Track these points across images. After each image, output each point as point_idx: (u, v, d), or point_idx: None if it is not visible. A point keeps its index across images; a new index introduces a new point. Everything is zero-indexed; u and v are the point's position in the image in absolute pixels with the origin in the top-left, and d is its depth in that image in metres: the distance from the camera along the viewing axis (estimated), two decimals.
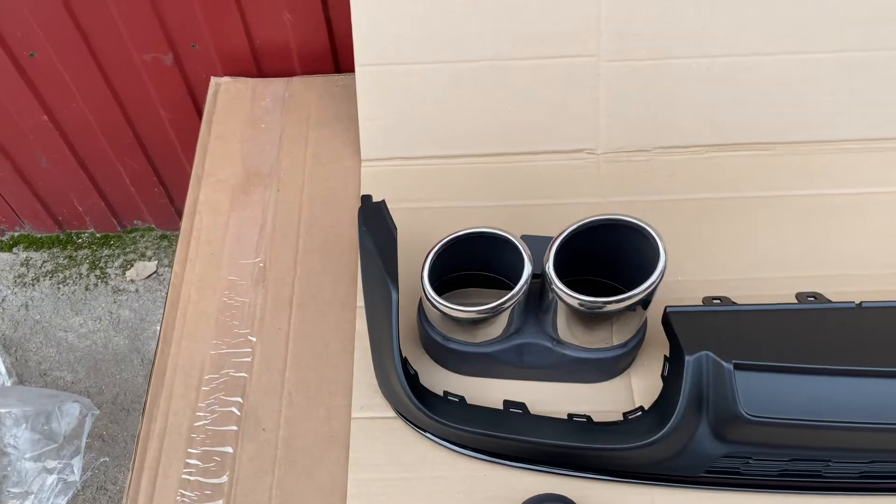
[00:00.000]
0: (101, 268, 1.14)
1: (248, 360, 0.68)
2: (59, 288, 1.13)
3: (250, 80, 0.87)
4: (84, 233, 1.18)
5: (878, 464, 0.59)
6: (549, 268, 0.58)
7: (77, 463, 0.94)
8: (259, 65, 0.93)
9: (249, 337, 0.69)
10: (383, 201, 0.67)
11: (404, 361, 0.63)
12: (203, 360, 0.68)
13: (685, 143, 0.78)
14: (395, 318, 0.61)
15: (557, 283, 0.57)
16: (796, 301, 0.64)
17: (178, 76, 0.91)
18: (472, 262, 0.64)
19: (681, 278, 0.71)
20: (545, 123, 0.78)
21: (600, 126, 0.78)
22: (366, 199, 0.67)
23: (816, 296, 0.65)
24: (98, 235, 1.18)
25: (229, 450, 0.63)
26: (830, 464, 0.59)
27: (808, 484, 0.60)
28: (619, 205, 0.76)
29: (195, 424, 0.65)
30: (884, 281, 0.69)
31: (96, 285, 1.13)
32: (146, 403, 0.66)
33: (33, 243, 1.17)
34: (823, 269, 0.70)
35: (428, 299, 0.60)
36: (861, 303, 0.63)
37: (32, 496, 0.90)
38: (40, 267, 1.15)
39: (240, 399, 0.66)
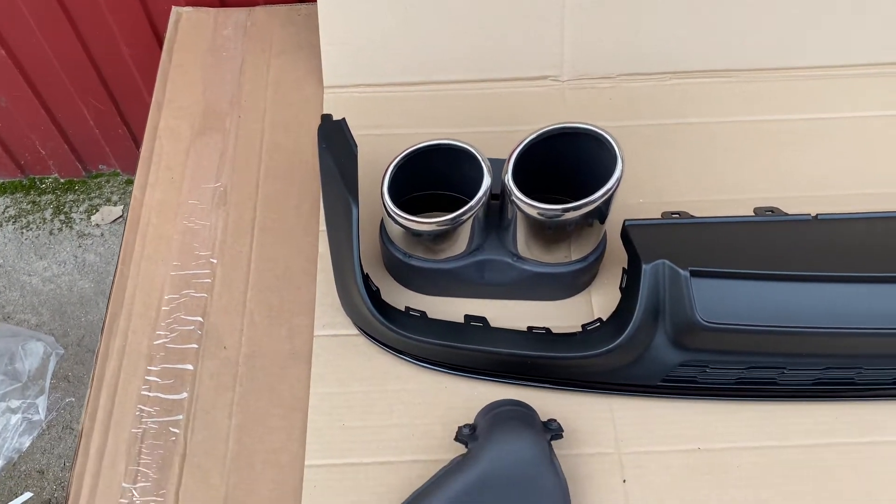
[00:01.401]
0: (65, 213, 1.13)
1: (209, 281, 0.68)
2: (22, 233, 1.11)
3: (212, 10, 0.85)
4: (48, 178, 1.15)
5: (832, 370, 0.60)
6: (508, 179, 0.58)
7: (42, 402, 0.94)
8: None
9: (211, 259, 0.69)
10: (343, 120, 0.66)
11: (366, 277, 0.63)
12: (163, 281, 0.68)
13: (649, 70, 0.79)
14: (356, 234, 0.60)
15: (517, 193, 0.58)
16: (754, 214, 0.65)
17: (138, 8, 0.89)
18: (434, 179, 0.64)
19: (642, 200, 0.71)
20: (510, 50, 0.78)
21: (565, 53, 0.78)
22: (326, 117, 0.67)
23: (773, 210, 0.65)
24: (62, 181, 1.16)
25: (189, 367, 0.63)
26: (785, 371, 0.60)
27: (763, 392, 0.61)
28: None
29: (154, 343, 0.64)
30: (841, 202, 0.70)
31: (60, 230, 1.11)
32: (105, 322, 0.65)
33: None
34: (782, 192, 0.71)
35: (389, 214, 0.60)
36: (817, 215, 0.64)
37: None
38: (3, 212, 1.13)
39: (200, 318, 0.66)
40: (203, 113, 0.77)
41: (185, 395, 0.62)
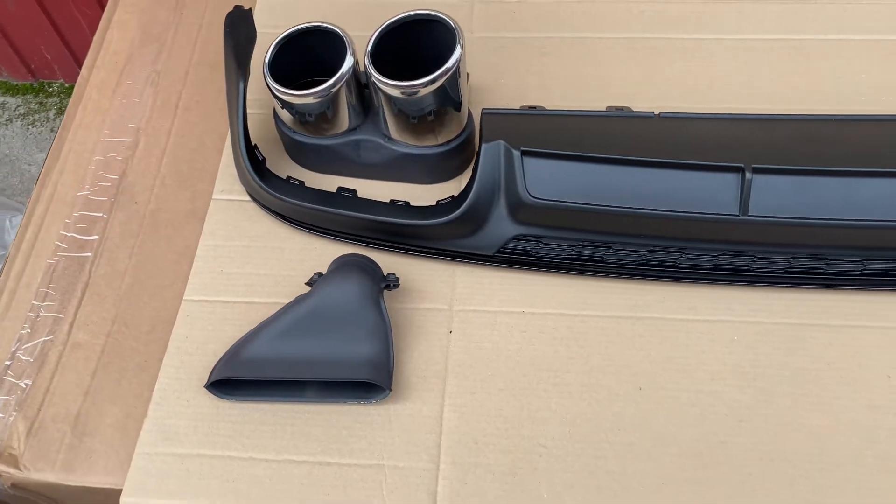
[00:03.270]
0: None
1: (132, 149, 0.78)
2: (28, 129, 1.25)
3: None
4: (55, 83, 1.29)
5: (655, 252, 0.66)
6: (368, 61, 0.65)
7: None
8: None
9: (137, 130, 0.79)
10: (250, 10, 0.75)
11: (254, 147, 0.71)
12: (94, 146, 0.78)
13: None
14: (242, 106, 0.69)
15: (375, 75, 0.65)
16: (605, 111, 0.70)
17: None
18: (314, 63, 0.71)
19: (522, 105, 0.77)
20: None
21: None
22: (237, 8, 0.75)
23: (624, 108, 0.71)
24: (67, 85, 1.29)
25: (103, 215, 0.74)
26: (611, 250, 0.66)
27: (590, 268, 0.67)
28: (484, 39, 0.82)
29: (77, 194, 0.75)
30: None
31: None
32: (41, 174, 0.76)
33: (10, 90, 1.29)
34: (658, 102, 0.76)
35: (269, 88, 0.68)
36: (660, 113, 0.69)
37: None
38: (14, 110, 1.27)
39: (118, 177, 0.76)
40: (149, 8, 0.87)
41: (95, 237, 0.72)
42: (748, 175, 0.61)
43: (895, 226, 0.61)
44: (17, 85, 1.30)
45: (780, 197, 0.61)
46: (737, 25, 0.80)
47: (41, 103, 1.27)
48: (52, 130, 1.25)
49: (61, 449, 0.62)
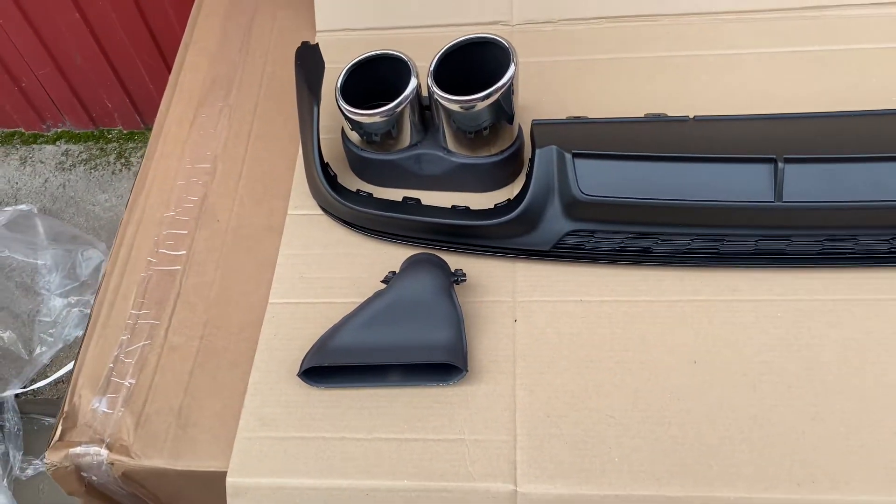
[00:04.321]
0: (125, 157, 1.35)
1: (211, 173, 0.85)
2: (90, 173, 1.34)
3: None
4: (114, 130, 1.38)
5: (698, 241, 0.72)
6: (430, 80, 0.73)
7: (93, 299, 1.14)
8: None
9: (214, 157, 0.87)
10: (317, 44, 0.83)
11: (326, 164, 0.79)
12: (176, 172, 0.86)
13: (586, 15, 0.92)
14: (317, 127, 0.77)
15: (438, 91, 0.73)
16: (643, 117, 0.77)
17: None
18: (380, 87, 0.79)
19: (564, 118, 0.85)
20: (468, 0, 0.93)
21: (514, 1, 0.93)
22: (304, 43, 0.84)
23: (661, 115, 0.78)
24: (125, 132, 1.38)
25: (189, 233, 0.81)
26: (659, 240, 0.73)
27: (641, 258, 0.73)
28: (525, 63, 0.90)
29: (164, 215, 0.82)
30: None
31: (121, 171, 1.33)
32: (129, 201, 0.84)
33: (73, 138, 1.38)
34: (689, 111, 0.82)
35: (340, 109, 0.76)
36: (695, 116, 0.76)
37: (59, 325, 1.10)
38: (77, 156, 1.36)
39: (199, 199, 0.83)
40: (219, 51, 0.96)
41: (183, 252, 0.80)
42: (780, 164, 0.67)
43: None
44: (78, 133, 1.40)
45: (810, 183, 0.68)
46: (755, 41, 0.88)
47: (102, 149, 1.37)
48: (112, 173, 1.34)
49: (168, 438, 0.68)
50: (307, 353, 0.68)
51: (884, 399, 0.63)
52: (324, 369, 0.68)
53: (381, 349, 0.67)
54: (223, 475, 0.65)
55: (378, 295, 0.69)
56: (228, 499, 0.64)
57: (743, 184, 0.69)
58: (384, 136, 0.78)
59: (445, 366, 0.67)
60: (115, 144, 1.38)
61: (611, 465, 0.62)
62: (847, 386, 0.64)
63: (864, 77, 0.84)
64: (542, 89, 0.88)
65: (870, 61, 0.85)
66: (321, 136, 0.84)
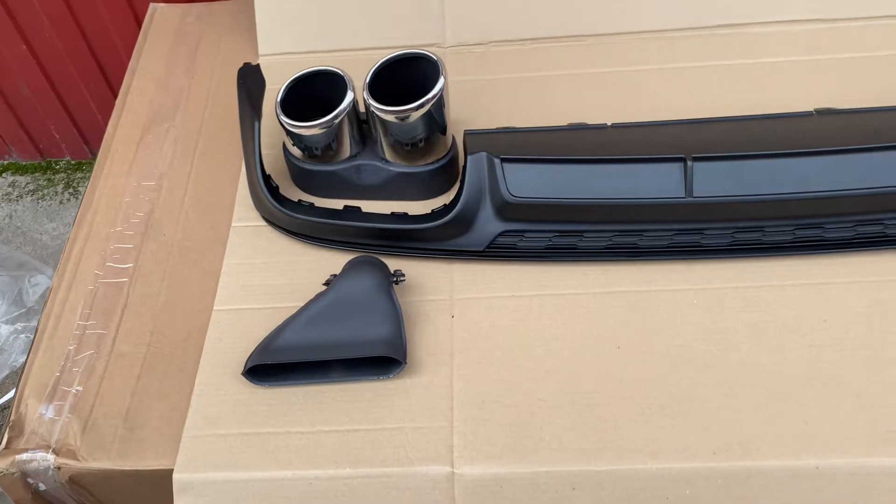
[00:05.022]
0: (73, 186, 1.36)
1: (157, 190, 0.88)
2: (38, 203, 1.34)
3: (181, 5, 1.09)
4: (62, 160, 1.39)
5: (619, 236, 0.77)
6: (366, 93, 0.78)
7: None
8: None
9: (161, 174, 0.89)
10: (258, 64, 0.87)
11: (268, 177, 0.82)
12: (123, 190, 0.88)
13: (514, 37, 0.99)
14: (258, 141, 0.81)
15: (374, 103, 0.77)
16: (566, 126, 0.83)
17: (126, 6, 1.13)
18: (321, 102, 0.84)
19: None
20: (404, 23, 0.98)
21: (446, 26, 0.98)
22: (246, 64, 0.88)
23: (582, 123, 0.84)
24: (73, 162, 1.40)
25: (136, 247, 0.83)
26: (583, 237, 0.78)
27: (568, 254, 0.78)
28: (456, 83, 0.95)
29: (112, 230, 0.85)
30: None
31: (69, 200, 1.34)
32: (76, 218, 0.86)
33: (19, 169, 1.39)
34: (608, 120, 0.88)
35: (280, 123, 0.80)
36: (612, 123, 0.82)
37: (5, 352, 1.10)
38: (24, 187, 1.36)
39: (146, 214, 0.86)
40: (165, 75, 1.00)
41: (130, 265, 0.82)
42: (689, 163, 0.73)
43: (817, 197, 0.74)
44: (25, 165, 1.41)
45: (717, 179, 0.74)
46: (671, 56, 0.95)
47: (49, 179, 1.38)
48: (60, 203, 1.35)
49: (115, 440, 0.69)
50: (252, 353, 0.71)
51: (790, 374, 0.68)
52: (268, 369, 0.71)
53: (322, 346, 0.70)
54: (170, 473, 0.66)
55: (320, 295, 0.73)
56: (175, 495, 0.66)
57: (657, 182, 0.75)
58: (325, 150, 0.82)
59: (386, 360, 0.70)
60: (62, 175, 1.39)
61: (542, 444, 0.66)
62: (756, 363, 0.69)
63: (768, 87, 0.91)
64: (474, 106, 0.93)
65: (773, 73, 0.92)
66: (264, 152, 0.88)
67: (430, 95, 0.75)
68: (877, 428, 0.64)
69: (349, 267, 0.75)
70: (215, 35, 1.04)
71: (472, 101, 0.94)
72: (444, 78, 0.76)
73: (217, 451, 0.67)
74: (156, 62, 1.01)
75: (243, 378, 0.70)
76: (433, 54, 0.77)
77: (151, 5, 1.08)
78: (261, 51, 1.00)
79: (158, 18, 1.07)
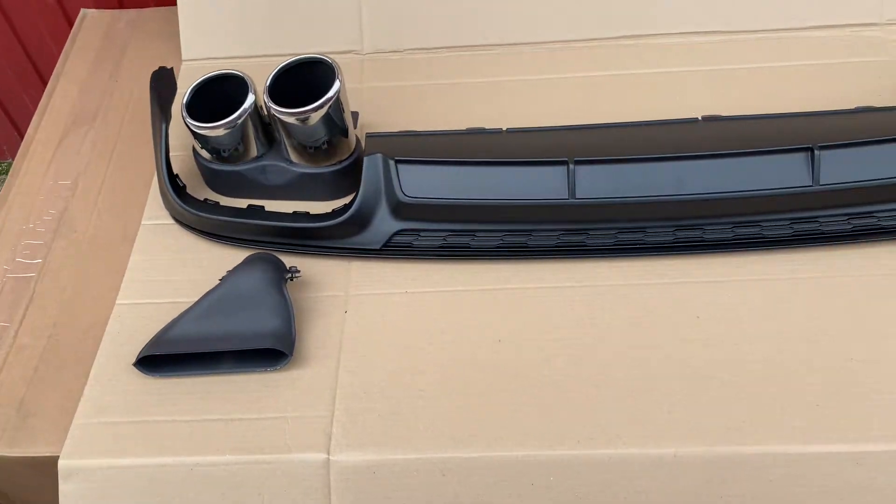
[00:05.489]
0: None
1: (72, 189, 0.91)
2: None
3: (109, 11, 1.12)
4: (3, 162, 1.41)
5: (508, 236, 0.80)
6: (266, 96, 0.80)
7: None
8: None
9: (77, 174, 0.92)
10: (171, 68, 0.90)
11: (175, 176, 0.85)
12: (39, 189, 0.91)
13: (429, 45, 1.02)
14: (165, 141, 0.83)
15: (273, 106, 0.80)
16: (464, 130, 0.86)
17: (59, 12, 1.16)
18: (229, 106, 0.86)
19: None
20: (324, 29, 1.01)
21: (364, 33, 1.02)
22: (161, 68, 0.91)
23: (480, 128, 0.87)
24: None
25: (46, 243, 0.85)
26: (475, 237, 0.81)
27: (461, 253, 0.81)
28: (372, 88, 0.99)
29: (23, 227, 0.87)
30: None
31: None
32: None
33: None
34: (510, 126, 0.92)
35: (186, 125, 0.83)
36: (507, 128, 0.85)
37: None
38: None
39: (59, 212, 0.88)
40: (89, 79, 1.02)
41: (39, 260, 0.84)
42: (571, 166, 0.77)
43: (693, 199, 0.77)
44: None
45: (598, 182, 0.77)
46: (577, 65, 0.98)
47: None
48: None
49: (7, 429, 0.71)
50: (145, 345, 0.73)
51: (659, 366, 0.71)
52: (162, 360, 0.73)
53: (213, 338, 0.73)
54: (56, 460, 0.68)
55: (213, 289, 0.75)
56: (60, 481, 0.68)
57: (542, 184, 0.78)
58: (232, 151, 0.85)
59: (275, 352, 0.73)
60: (4, 177, 1.41)
61: (416, 433, 0.68)
62: (628, 357, 0.72)
63: (665, 95, 0.94)
64: (387, 110, 0.96)
65: (671, 82, 0.96)
66: (182, 154, 0.91)
67: (325, 98, 0.78)
68: (731, 419, 0.67)
69: (243, 263, 0.78)
70: (144, 40, 1.07)
71: (386, 106, 0.97)
72: (341, 81, 0.79)
73: (103, 439, 0.69)
74: (81, 66, 1.04)
75: (137, 369, 0.73)
76: (329, 58, 0.80)
77: (82, 10, 1.11)
78: (184, 56, 1.03)
79: (88, 23, 1.10)
